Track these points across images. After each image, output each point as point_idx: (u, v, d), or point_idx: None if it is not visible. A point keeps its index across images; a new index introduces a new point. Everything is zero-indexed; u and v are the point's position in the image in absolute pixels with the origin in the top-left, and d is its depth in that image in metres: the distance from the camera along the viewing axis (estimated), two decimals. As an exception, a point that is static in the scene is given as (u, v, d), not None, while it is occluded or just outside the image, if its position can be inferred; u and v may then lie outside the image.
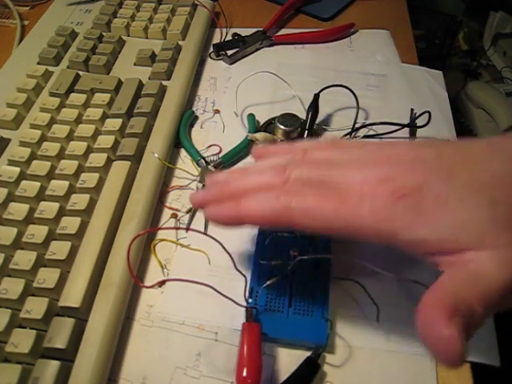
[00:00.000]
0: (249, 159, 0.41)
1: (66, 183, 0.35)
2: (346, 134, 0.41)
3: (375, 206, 0.22)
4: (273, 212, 0.25)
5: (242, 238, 0.35)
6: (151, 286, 0.32)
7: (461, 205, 0.21)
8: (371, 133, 0.42)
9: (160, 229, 0.36)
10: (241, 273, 0.28)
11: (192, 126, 0.44)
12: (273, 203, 0.24)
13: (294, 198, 0.24)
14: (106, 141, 0.38)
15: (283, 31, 0.55)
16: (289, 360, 0.29)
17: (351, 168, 0.24)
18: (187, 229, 0.36)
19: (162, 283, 0.33)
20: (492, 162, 0.22)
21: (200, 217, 0.37)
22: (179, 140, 0.42)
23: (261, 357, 0.27)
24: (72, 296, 0.29)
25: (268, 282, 0.30)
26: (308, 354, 0.28)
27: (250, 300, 0.30)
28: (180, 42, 0.49)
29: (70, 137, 0.39)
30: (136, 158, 0.38)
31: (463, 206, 0.21)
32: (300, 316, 0.30)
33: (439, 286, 0.22)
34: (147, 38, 0.51)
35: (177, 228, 0.36)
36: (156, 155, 0.38)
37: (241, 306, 0.29)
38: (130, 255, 0.30)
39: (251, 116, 0.43)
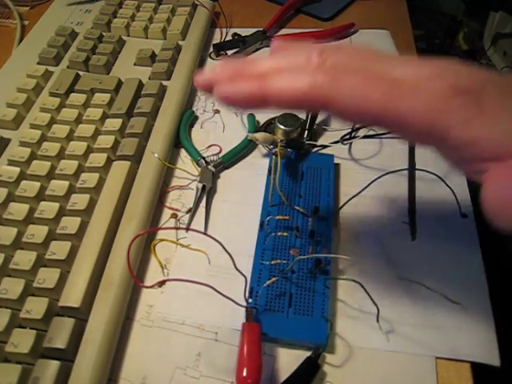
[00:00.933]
0: (249, 159, 0.41)
1: (65, 183, 0.35)
2: (345, 134, 0.41)
3: (431, 96, 0.20)
4: (310, 87, 0.21)
5: (243, 238, 0.35)
6: (151, 286, 0.32)
7: None
8: (371, 133, 0.42)
9: (160, 229, 0.36)
10: (241, 273, 0.28)
11: (192, 126, 0.44)
12: (310, 78, 0.21)
13: (338, 74, 0.21)
14: (105, 141, 0.38)
15: (283, 31, 0.55)
16: (289, 360, 0.29)
17: (400, 62, 0.22)
18: (187, 229, 0.36)
19: (162, 283, 0.33)
20: None
21: (200, 217, 0.37)
22: (179, 140, 0.42)
23: (261, 357, 0.27)
24: (72, 296, 0.29)
25: (268, 282, 0.30)
26: (308, 353, 0.28)
27: (250, 300, 0.30)
28: (180, 42, 0.49)
29: (69, 137, 0.39)
30: (136, 158, 0.38)
31: None
32: (300, 316, 0.30)
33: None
34: (147, 37, 0.51)
35: (177, 228, 0.36)
36: (156, 155, 0.38)
37: (241, 305, 0.29)
38: (130, 255, 0.30)
39: (251, 116, 0.43)
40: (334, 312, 0.31)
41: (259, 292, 0.30)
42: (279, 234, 0.33)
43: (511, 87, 0.21)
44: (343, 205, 0.36)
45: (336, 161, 0.39)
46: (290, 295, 0.31)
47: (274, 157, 0.36)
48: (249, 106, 0.23)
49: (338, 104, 0.21)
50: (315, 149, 0.41)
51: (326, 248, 0.33)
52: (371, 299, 0.29)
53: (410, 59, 0.22)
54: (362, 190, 0.35)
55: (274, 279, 0.30)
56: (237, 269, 0.28)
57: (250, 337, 0.27)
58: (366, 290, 0.29)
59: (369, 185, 0.35)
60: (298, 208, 0.35)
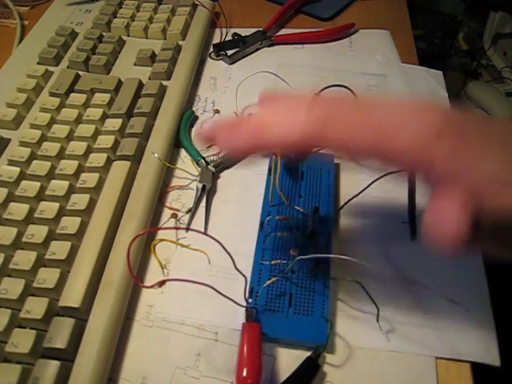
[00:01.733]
0: (249, 159, 0.41)
1: (66, 183, 0.35)
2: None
3: (416, 134, 0.21)
4: (301, 137, 0.23)
5: (243, 238, 0.35)
6: (151, 286, 0.32)
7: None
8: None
9: (160, 229, 0.36)
10: (241, 273, 0.28)
11: (192, 126, 0.44)
12: (300, 128, 0.23)
13: (326, 123, 0.22)
14: (105, 141, 0.38)
15: (283, 31, 0.55)
16: (289, 360, 0.29)
17: (382, 106, 0.23)
18: (187, 229, 0.36)
19: (162, 283, 0.33)
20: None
21: (200, 217, 0.37)
22: (179, 140, 0.42)
23: (261, 357, 0.27)
24: (72, 296, 0.29)
25: (268, 282, 0.30)
26: (308, 353, 0.28)
27: (250, 300, 0.30)
28: (180, 42, 0.49)
29: (69, 137, 0.39)
30: (136, 158, 0.38)
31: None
32: (300, 316, 0.30)
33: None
34: (147, 37, 0.51)
35: (177, 228, 0.36)
36: (156, 155, 0.38)
37: (241, 305, 0.29)
38: (130, 255, 0.30)
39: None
40: (335, 312, 0.31)
41: (259, 292, 0.30)
42: (279, 234, 0.33)
43: (488, 127, 0.22)
44: (343, 205, 0.36)
45: (336, 160, 0.39)
46: (290, 295, 0.31)
47: (273, 157, 0.36)
48: (248, 153, 0.26)
49: (330, 147, 0.23)
50: (315, 149, 0.41)
51: (326, 248, 0.33)
52: (371, 299, 0.29)
53: (389, 102, 0.24)
54: (362, 190, 0.35)
55: (273, 279, 0.30)
56: (237, 269, 0.28)
57: (250, 337, 0.27)
58: (366, 291, 0.29)
59: (369, 185, 0.35)
60: (297, 208, 0.35)
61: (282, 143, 0.24)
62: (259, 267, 0.32)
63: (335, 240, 0.34)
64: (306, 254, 0.32)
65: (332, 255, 0.32)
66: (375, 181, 0.35)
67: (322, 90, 0.43)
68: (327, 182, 0.37)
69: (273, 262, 0.32)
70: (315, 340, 0.29)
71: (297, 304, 0.30)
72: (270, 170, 0.38)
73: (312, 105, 0.23)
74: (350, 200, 0.35)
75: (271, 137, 0.24)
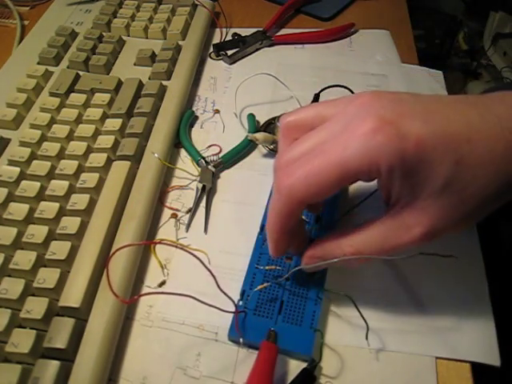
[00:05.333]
0: (249, 159, 0.41)
1: (66, 183, 0.35)
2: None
3: (357, 146, 0.22)
4: (278, 208, 0.26)
5: (242, 238, 0.35)
6: (129, 302, 0.31)
7: None
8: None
9: (146, 243, 0.36)
10: (225, 294, 0.28)
11: (192, 126, 0.44)
12: (274, 197, 0.26)
13: (287, 179, 0.25)
14: (105, 141, 0.38)
15: (283, 31, 0.55)
16: (285, 371, 0.29)
17: (332, 125, 0.25)
18: (187, 228, 0.36)
19: (161, 283, 0.33)
20: (467, 113, 0.23)
21: (200, 217, 0.37)
22: (179, 140, 0.42)
23: (272, 379, 0.26)
24: (72, 296, 0.29)
25: (259, 287, 0.30)
26: (304, 365, 0.28)
27: (241, 303, 0.30)
28: (180, 42, 0.49)
29: (70, 137, 0.39)
30: (136, 158, 0.38)
31: None
32: (288, 324, 0.29)
33: None
34: (147, 37, 0.51)
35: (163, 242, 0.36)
36: (156, 155, 0.38)
37: (227, 312, 0.28)
38: (109, 268, 0.29)
39: (251, 116, 0.43)
40: (334, 312, 0.31)
41: (250, 295, 0.30)
42: None
43: (435, 102, 0.24)
44: (345, 213, 0.35)
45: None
46: (281, 302, 0.30)
47: None
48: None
49: (301, 197, 0.25)
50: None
51: None
52: (361, 315, 0.28)
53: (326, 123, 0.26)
54: (363, 200, 0.34)
55: (265, 284, 0.30)
56: (220, 289, 0.27)
57: (265, 356, 0.27)
58: (356, 306, 0.29)
59: (369, 196, 0.34)
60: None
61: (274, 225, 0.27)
62: (254, 271, 0.32)
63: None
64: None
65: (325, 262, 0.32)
66: (374, 192, 0.34)
67: (322, 90, 0.43)
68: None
69: (267, 268, 0.32)
70: (300, 351, 0.28)
71: (287, 312, 0.30)
72: None
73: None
74: (350, 209, 0.35)
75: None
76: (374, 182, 0.32)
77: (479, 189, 0.23)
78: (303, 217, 0.34)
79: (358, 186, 0.38)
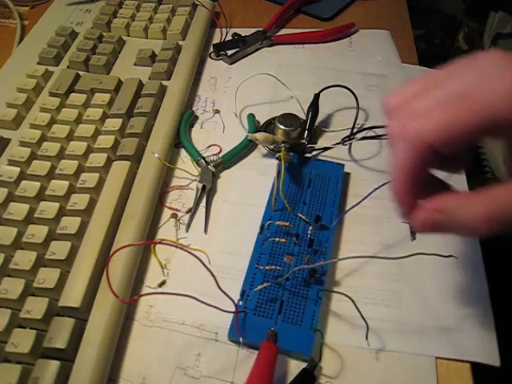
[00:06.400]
0: (249, 159, 0.41)
1: (66, 183, 0.35)
2: (346, 137, 0.41)
3: (508, 90, 0.21)
4: (405, 159, 0.23)
5: (242, 238, 0.35)
6: (129, 302, 0.31)
7: None
8: (371, 134, 0.42)
9: (145, 243, 0.36)
10: (226, 294, 0.28)
11: (192, 126, 0.44)
12: (397, 148, 0.23)
13: (416, 122, 0.22)
14: (106, 141, 0.38)
15: (283, 31, 0.55)
16: (285, 370, 0.29)
17: (464, 75, 0.23)
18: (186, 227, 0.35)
19: (162, 283, 0.33)
20: None
21: (200, 217, 0.37)
22: (179, 140, 0.42)
23: (272, 379, 0.26)
24: (72, 296, 0.29)
25: (259, 287, 0.30)
26: (304, 364, 0.28)
27: (241, 302, 0.30)
28: (180, 42, 0.49)
29: (69, 137, 0.39)
30: (136, 158, 0.38)
31: None
32: (288, 324, 0.29)
33: None
34: (147, 38, 0.51)
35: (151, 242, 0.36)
36: (156, 155, 0.38)
37: (227, 312, 0.28)
38: (109, 268, 0.28)
39: (251, 116, 0.43)
40: (334, 312, 0.31)
41: (250, 295, 0.30)
42: (277, 239, 0.33)
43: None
44: (344, 213, 0.35)
45: (336, 161, 0.39)
46: (281, 302, 0.30)
47: (278, 161, 0.36)
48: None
49: (437, 141, 0.22)
50: (317, 151, 0.41)
51: (324, 258, 0.32)
52: (361, 316, 0.28)
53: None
54: (364, 198, 0.34)
55: (265, 284, 0.30)
56: (221, 290, 0.27)
57: (266, 356, 0.27)
58: (356, 306, 0.28)
59: (368, 195, 0.34)
60: (300, 215, 0.34)
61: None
62: (254, 271, 0.32)
63: (335, 249, 0.34)
64: (303, 262, 0.31)
65: (329, 263, 0.32)
66: (376, 189, 0.34)
67: (322, 90, 0.43)
68: (334, 192, 0.36)
69: (267, 268, 0.32)
70: (300, 351, 0.28)
71: (287, 312, 0.30)
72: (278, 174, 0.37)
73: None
74: (350, 209, 0.35)
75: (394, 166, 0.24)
76: (371, 184, 0.33)
77: None
78: (303, 216, 0.34)
79: (357, 184, 0.38)
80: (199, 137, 0.43)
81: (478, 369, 0.29)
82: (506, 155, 0.25)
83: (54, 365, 0.27)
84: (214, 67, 0.50)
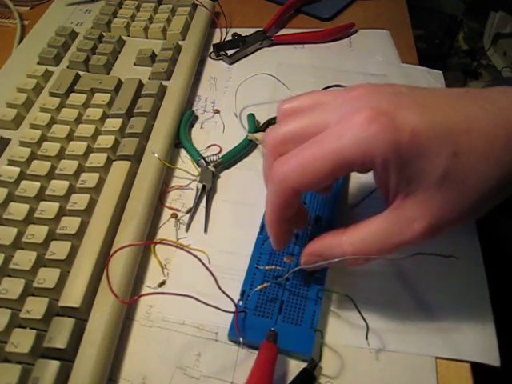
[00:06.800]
0: (249, 159, 0.41)
1: (66, 183, 0.35)
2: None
3: (351, 135, 0.22)
4: (273, 198, 0.26)
5: (242, 238, 0.35)
6: (129, 302, 0.31)
7: None
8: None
9: (151, 243, 0.36)
10: (226, 294, 0.28)
11: (192, 126, 0.44)
12: (268, 187, 0.26)
13: (280, 168, 0.25)
14: (106, 141, 0.38)
15: (283, 31, 0.55)
16: (285, 370, 0.29)
17: (328, 113, 0.25)
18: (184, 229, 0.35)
19: (161, 283, 0.33)
20: (467, 105, 0.23)
21: (200, 217, 0.37)
22: (179, 140, 0.42)
23: (272, 379, 0.26)
24: (72, 296, 0.29)
25: (259, 287, 0.30)
26: (304, 364, 0.28)
27: (241, 302, 0.30)
28: (180, 42, 0.49)
29: (69, 137, 0.39)
30: (136, 158, 0.38)
31: None
32: (288, 324, 0.29)
33: None
34: (147, 38, 0.51)
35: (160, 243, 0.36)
36: (156, 155, 0.38)
37: (227, 312, 0.28)
38: (109, 268, 0.28)
39: (251, 116, 0.43)
40: (333, 311, 0.31)
41: (250, 295, 0.30)
42: None
43: (434, 96, 0.24)
44: (344, 213, 0.35)
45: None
46: (281, 302, 0.30)
47: None
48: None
49: (296, 186, 0.24)
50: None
51: None
52: (361, 316, 0.28)
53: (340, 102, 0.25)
54: (364, 199, 0.34)
55: (265, 284, 0.30)
56: (221, 290, 0.27)
57: (265, 356, 0.27)
58: (356, 306, 0.28)
59: (370, 194, 0.34)
60: None
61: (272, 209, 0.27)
62: (254, 271, 0.32)
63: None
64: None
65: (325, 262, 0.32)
66: (374, 191, 0.34)
67: (322, 90, 0.43)
68: (334, 192, 0.36)
69: (267, 268, 0.31)
70: (300, 351, 0.28)
71: (287, 312, 0.30)
72: None
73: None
74: (350, 209, 0.35)
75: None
76: (371, 184, 0.33)
77: (479, 181, 0.22)
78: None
79: (358, 184, 0.38)
80: (199, 137, 0.43)
81: (477, 369, 0.29)
82: (376, 181, 0.26)
83: (53, 365, 0.27)
84: (214, 67, 0.50)
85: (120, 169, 0.36)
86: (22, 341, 0.27)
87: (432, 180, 0.22)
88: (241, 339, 0.28)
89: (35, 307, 0.29)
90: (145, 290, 0.33)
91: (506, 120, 0.22)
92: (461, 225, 0.24)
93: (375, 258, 0.25)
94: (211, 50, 0.52)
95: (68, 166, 0.36)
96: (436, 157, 0.22)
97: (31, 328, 0.29)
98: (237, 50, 0.51)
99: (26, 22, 0.57)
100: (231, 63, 0.51)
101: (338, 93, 0.26)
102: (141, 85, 0.44)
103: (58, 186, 0.35)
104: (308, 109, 0.26)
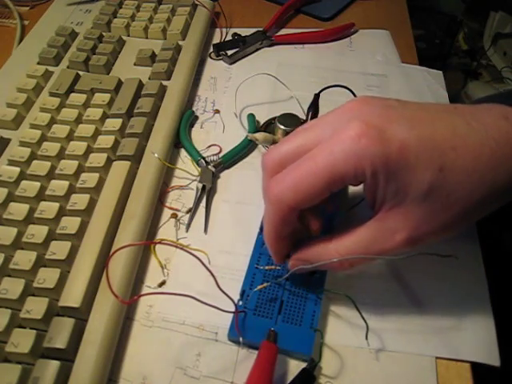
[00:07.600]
0: (249, 159, 0.41)
1: (66, 183, 0.35)
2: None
3: (343, 149, 0.23)
4: (271, 217, 0.26)
5: (242, 238, 0.35)
6: (129, 302, 0.31)
7: None
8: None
9: (151, 243, 0.36)
10: (226, 294, 0.28)
11: (192, 125, 0.44)
12: (265, 206, 0.26)
13: (275, 187, 0.25)
14: (106, 141, 0.38)
15: (283, 31, 0.55)
16: (285, 370, 0.29)
17: (320, 129, 0.25)
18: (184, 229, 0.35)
19: (161, 283, 0.33)
20: (454, 121, 0.23)
21: (200, 217, 0.37)
22: (179, 140, 0.42)
23: (272, 379, 0.26)
24: (72, 296, 0.29)
25: (259, 287, 0.30)
26: (303, 364, 0.28)
27: (241, 302, 0.30)
28: (180, 42, 0.49)
29: (69, 137, 0.39)
30: (136, 158, 0.38)
31: None
32: (288, 324, 0.29)
33: None
34: (147, 38, 0.51)
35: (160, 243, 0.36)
36: (156, 155, 0.38)
37: (227, 312, 0.28)
38: (109, 268, 0.29)
39: (251, 116, 0.43)
40: (333, 311, 0.31)
41: (250, 295, 0.30)
42: None
43: (424, 111, 0.24)
44: (344, 213, 0.35)
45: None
46: (281, 302, 0.30)
47: None
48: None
49: (292, 204, 0.25)
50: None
51: None
52: (361, 316, 0.28)
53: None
54: (364, 199, 0.34)
55: (265, 284, 0.30)
56: (221, 290, 0.27)
57: (265, 356, 0.27)
58: (356, 306, 0.28)
59: (359, 202, 0.34)
60: None
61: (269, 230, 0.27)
62: (253, 271, 0.32)
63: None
64: None
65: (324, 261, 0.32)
66: (363, 199, 0.34)
67: (322, 90, 0.43)
68: (336, 192, 0.36)
69: (267, 268, 0.32)
70: (300, 351, 0.28)
71: (287, 312, 0.30)
72: None
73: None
74: (350, 209, 0.35)
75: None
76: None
77: (463, 196, 0.23)
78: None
79: (349, 191, 0.38)
80: (199, 137, 0.43)
81: (477, 369, 0.29)
82: (365, 191, 0.27)
83: (53, 365, 0.27)
84: (214, 67, 0.50)
85: (120, 169, 0.36)
86: (22, 341, 0.27)
87: (417, 193, 0.23)
88: (241, 339, 0.28)
89: (35, 307, 0.29)
90: (145, 290, 0.33)
91: (490, 138, 0.23)
92: (446, 236, 0.25)
93: (361, 257, 0.26)
94: (211, 50, 0.52)
95: (68, 165, 0.36)
96: (423, 170, 0.22)
97: (31, 328, 0.29)
98: (237, 50, 0.51)
99: (26, 22, 0.57)
100: (231, 63, 0.51)
101: (321, 121, 0.26)
102: (141, 85, 0.44)
103: (58, 186, 0.35)
104: (297, 156, 0.26)
